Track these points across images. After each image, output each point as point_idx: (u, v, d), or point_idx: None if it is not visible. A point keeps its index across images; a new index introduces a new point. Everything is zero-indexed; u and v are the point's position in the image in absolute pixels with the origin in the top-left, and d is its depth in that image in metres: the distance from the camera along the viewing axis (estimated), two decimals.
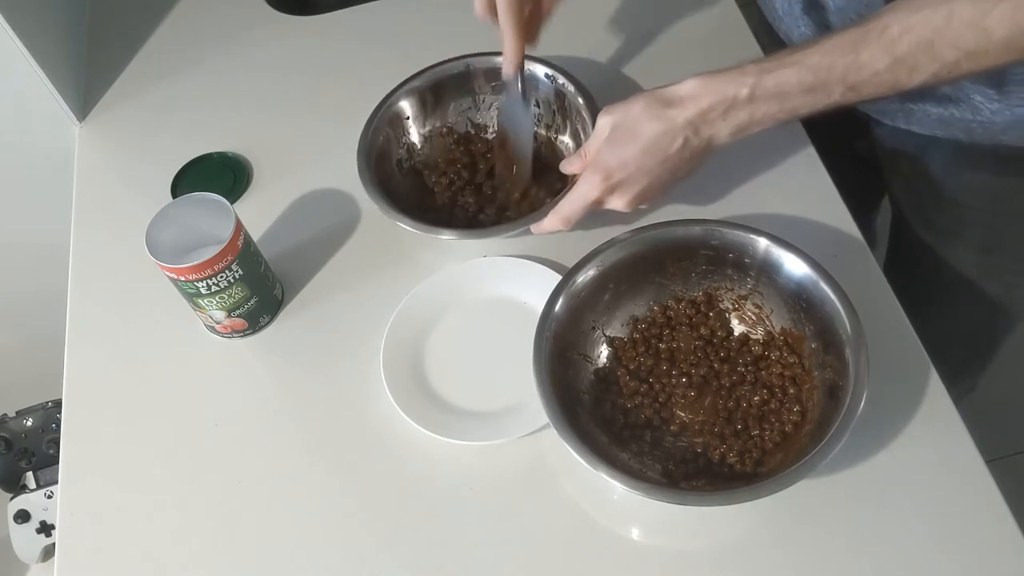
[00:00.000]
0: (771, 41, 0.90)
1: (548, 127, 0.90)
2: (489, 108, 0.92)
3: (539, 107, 0.89)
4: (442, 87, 0.90)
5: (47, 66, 0.97)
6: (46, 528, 1.23)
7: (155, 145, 0.99)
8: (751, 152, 0.86)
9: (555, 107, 0.89)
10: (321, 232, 0.88)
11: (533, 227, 0.78)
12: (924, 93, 0.74)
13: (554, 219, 0.76)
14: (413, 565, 0.69)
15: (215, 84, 1.04)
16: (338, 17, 1.08)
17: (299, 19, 1.09)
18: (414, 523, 0.71)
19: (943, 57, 0.61)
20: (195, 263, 0.74)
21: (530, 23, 0.79)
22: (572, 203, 0.75)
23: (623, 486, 0.63)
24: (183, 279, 0.75)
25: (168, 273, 0.76)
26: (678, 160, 0.71)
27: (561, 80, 0.86)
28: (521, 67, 0.82)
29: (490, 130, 0.92)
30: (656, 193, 0.75)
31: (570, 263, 0.75)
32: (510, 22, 0.77)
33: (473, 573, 0.68)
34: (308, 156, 0.95)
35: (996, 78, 0.69)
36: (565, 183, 0.81)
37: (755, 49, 0.94)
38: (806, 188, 0.83)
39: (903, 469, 0.67)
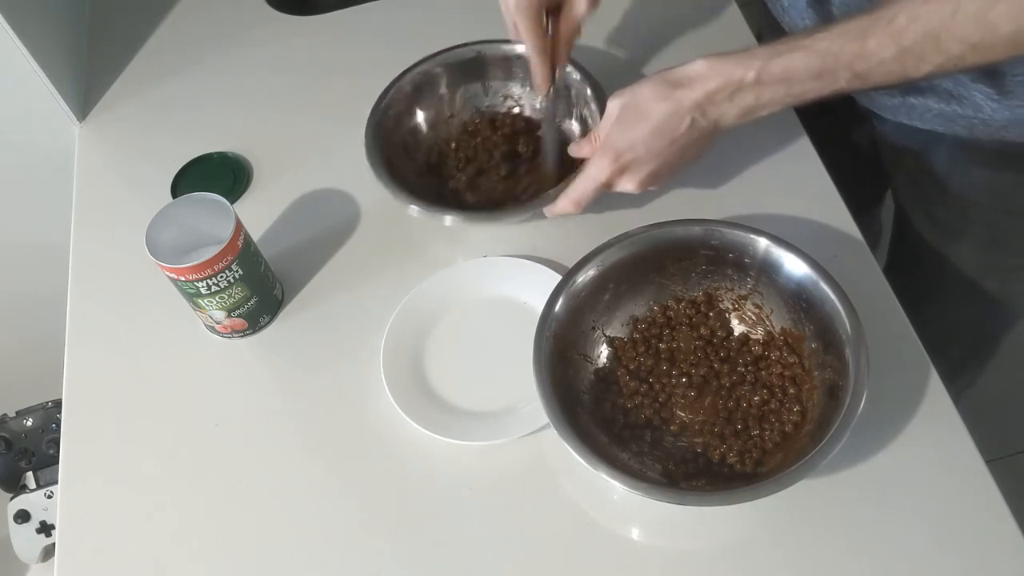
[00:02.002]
0: (773, 34, 0.90)
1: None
2: (495, 94, 0.91)
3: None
4: (451, 73, 0.90)
5: (47, 66, 0.97)
6: (46, 528, 1.23)
7: (155, 145, 0.99)
8: (752, 152, 0.86)
9: (562, 94, 0.88)
10: (321, 232, 0.88)
11: (546, 210, 0.79)
12: (925, 88, 0.74)
13: (565, 202, 0.77)
14: (413, 565, 0.69)
15: (215, 84, 1.04)
16: (338, 17, 1.08)
17: (299, 19, 1.09)
18: (414, 523, 0.71)
19: (948, 50, 0.60)
20: (195, 263, 0.74)
21: (561, 42, 0.80)
22: (582, 186, 0.75)
23: (623, 486, 0.63)
24: (183, 279, 0.75)
25: (168, 273, 0.76)
26: (686, 141, 0.72)
27: (567, 68, 0.86)
28: (550, 89, 0.82)
29: (496, 120, 0.91)
30: (665, 175, 0.75)
31: (570, 263, 0.74)
32: (533, 47, 0.79)
33: (473, 573, 0.68)
34: (308, 156, 0.94)
35: (997, 78, 0.69)
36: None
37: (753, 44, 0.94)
38: (806, 188, 0.83)
39: (903, 469, 0.67)
